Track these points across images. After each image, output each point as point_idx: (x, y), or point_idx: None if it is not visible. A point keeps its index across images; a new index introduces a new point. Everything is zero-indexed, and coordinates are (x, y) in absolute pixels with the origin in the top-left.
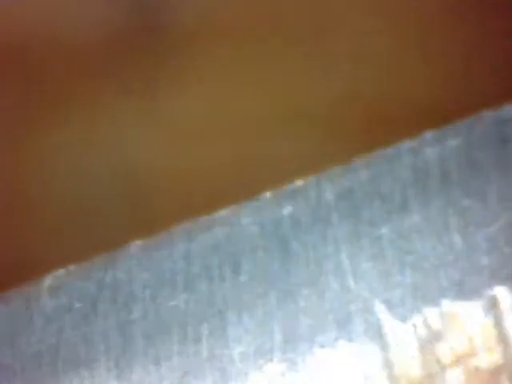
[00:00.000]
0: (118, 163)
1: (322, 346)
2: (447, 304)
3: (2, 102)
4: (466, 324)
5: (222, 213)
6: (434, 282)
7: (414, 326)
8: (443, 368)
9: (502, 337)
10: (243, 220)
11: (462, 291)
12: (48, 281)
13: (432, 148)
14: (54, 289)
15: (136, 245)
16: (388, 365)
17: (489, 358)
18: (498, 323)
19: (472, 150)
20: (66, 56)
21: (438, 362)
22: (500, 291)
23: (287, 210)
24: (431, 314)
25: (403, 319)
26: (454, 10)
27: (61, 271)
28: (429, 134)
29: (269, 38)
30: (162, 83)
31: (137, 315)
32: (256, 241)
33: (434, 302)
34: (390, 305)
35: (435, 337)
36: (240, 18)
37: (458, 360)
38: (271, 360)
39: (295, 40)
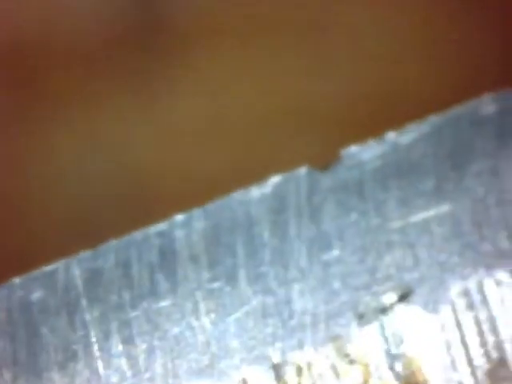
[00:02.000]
0: (118, 163)
1: None
2: None
3: (2, 102)
4: None
5: None
6: (183, 366)
7: None
8: None
9: None
10: None
11: (212, 375)
12: None
13: (180, 230)
14: None
15: None
16: None
17: None
18: None
19: (220, 233)
20: (66, 56)
21: None
22: (249, 373)
23: (36, 295)
24: None
25: None
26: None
27: None
28: (178, 217)
29: (269, 36)
30: (163, 83)
31: None
32: (4, 327)
33: None
34: None
35: None
36: (240, 17)
37: None
38: None
39: (295, 39)
